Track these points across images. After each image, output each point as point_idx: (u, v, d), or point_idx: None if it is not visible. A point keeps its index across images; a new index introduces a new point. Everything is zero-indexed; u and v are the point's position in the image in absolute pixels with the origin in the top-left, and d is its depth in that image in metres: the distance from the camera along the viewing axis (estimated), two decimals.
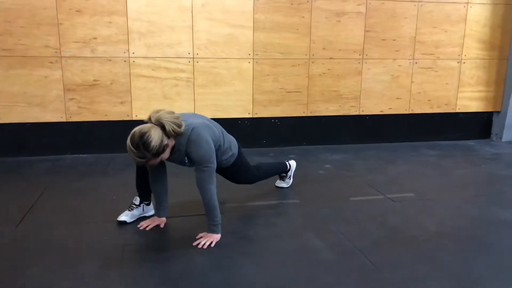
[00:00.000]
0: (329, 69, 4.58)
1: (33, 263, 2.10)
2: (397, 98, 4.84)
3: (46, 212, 2.74)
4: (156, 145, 2.12)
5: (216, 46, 4.25)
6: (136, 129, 2.17)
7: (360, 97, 4.73)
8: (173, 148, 2.27)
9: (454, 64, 4.90)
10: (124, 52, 4.08)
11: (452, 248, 2.33)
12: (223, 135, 2.57)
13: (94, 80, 4.07)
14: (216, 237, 2.35)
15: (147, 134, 2.11)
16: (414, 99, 4.88)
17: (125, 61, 4.10)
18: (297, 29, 4.40)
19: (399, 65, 4.75)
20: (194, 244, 2.31)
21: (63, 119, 4.10)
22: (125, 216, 2.58)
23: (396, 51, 4.71)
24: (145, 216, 2.66)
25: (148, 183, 2.58)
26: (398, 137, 4.92)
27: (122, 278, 1.97)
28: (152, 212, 2.70)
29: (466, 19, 4.80)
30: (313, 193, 3.17)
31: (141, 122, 4.14)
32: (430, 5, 4.66)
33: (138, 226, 2.54)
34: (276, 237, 2.44)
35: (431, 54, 4.81)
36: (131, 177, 3.43)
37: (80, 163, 3.89)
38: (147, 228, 2.51)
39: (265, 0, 4.26)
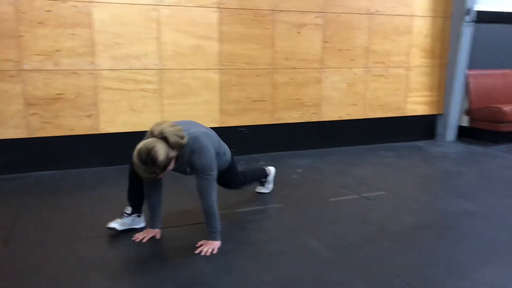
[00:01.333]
0: (291, 78, 4.77)
1: (39, 281, 2.02)
2: (353, 104, 5.14)
3: (30, 231, 2.62)
4: (163, 160, 2.14)
5: (183, 57, 4.29)
6: (141, 145, 2.17)
7: (321, 104, 4.97)
8: (176, 158, 2.30)
9: (402, 71, 5.31)
10: (90, 65, 3.98)
11: (433, 238, 2.56)
12: (219, 142, 2.63)
13: (58, 94, 3.94)
14: (217, 244, 2.39)
15: (154, 150, 2.12)
16: (368, 104, 5.22)
17: (90, 73, 4.00)
18: (261, 40, 4.56)
19: (354, 73, 5.06)
20: (196, 252, 2.34)
21: (25, 135, 3.91)
22: (115, 223, 2.54)
23: (352, 60, 5.02)
24: (134, 228, 2.64)
25: (141, 195, 2.57)
26: (356, 141, 5.22)
27: None
28: (142, 224, 2.68)
29: (411, 30, 5.23)
30: (293, 197, 3.31)
31: (108, 135, 4.10)
32: (381, 17, 5.03)
33: (133, 238, 2.52)
34: (274, 240, 2.54)
35: (383, 62, 5.18)
36: (108, 191, 3.39)
37: (48, 180, 3.73)
38: (144, 240, 2.50)
39: (230, 12, 4.37)
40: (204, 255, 2.30)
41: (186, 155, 2.32)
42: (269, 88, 4.69)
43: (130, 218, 2.61)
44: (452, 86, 5.44)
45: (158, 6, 4.10)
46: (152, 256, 2.33)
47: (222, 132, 4.50)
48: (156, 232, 2.56)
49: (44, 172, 3.96)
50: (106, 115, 4.12)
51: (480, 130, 5.50)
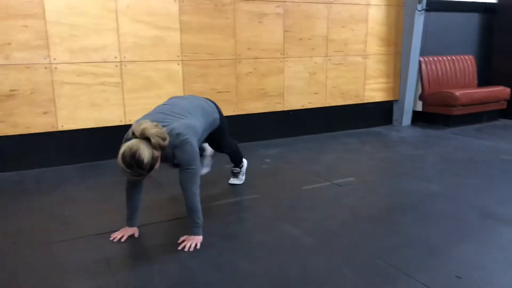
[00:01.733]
0: (254, 68, 4.76)
1: None
2: (315, 93, 5.22)
3: None
4: (149, 161, 2.08)
5: (143, 49, 4.15)
6: (125, 148, 2.09)
7: (284, 94, 5.01)
8: (160, 156, 2.23)
9: (360, 59, 5.45)
10: (45, 58, 3.77)
11: (406, 220, 2.67)
12: (206, 120, 2.65)
13: (11, 90, 3.70)
14: (199, 238, 2.36)
15: (138, 152, 2.05)
16: (329, 93, 5.31)
17: (46, 67, 3.79)
18: (223, 30, 4.50)
19: (315, 62, 5.13)
20: (180, 248, 2.30)
21: None
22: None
23: (312, 49, 5.08)
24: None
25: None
26: (319, 129, 5.31)
27: None
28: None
29: (367, 19, 5.37)
30: (267, 187, 3.32)
31: (68, 132, 3.91)
32: (338, 6, 5.12)
33: (111, 238, 2.43)
34: (255, 230, 2.54)
35: (341, 51, 5.28)
36: (74, 191, 3.24)
37: (4, 182, 3.51)
38: (122, 239, 2.42)
39: (190, 2, 4.28)
40: (188, 251, 2.27)
41: (170, 152, 2.26)
42: (233, 78, 4.66)
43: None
44: (407, 73, 5.66)
45: None
46: (134, 255, 2.26)
47: None
48: (134, 231, 2.49)
49: (0, 173, 3.72)
50: (64, 112, 3.92)
51: (433, 114, 5.77)
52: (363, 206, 2.91)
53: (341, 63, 5.32)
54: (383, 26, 5.51)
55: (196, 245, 2.32)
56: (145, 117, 2.40)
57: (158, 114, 2.40)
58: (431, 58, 5.90)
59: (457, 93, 5.44)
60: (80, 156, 4.06)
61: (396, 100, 5.86)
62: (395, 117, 5.91)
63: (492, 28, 6.38)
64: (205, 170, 3.31)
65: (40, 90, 3.79)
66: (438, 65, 5.94)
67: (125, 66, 4.10)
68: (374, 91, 5.66)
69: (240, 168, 3.32)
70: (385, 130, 5.54)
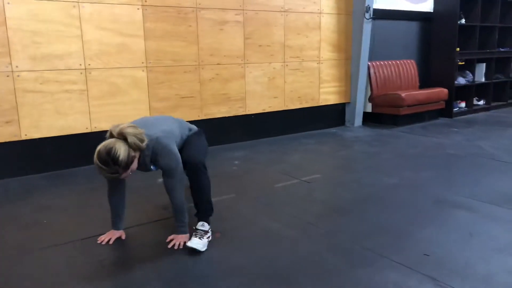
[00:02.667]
0: (217, 74, 4.90)
1: None
2: (274, 97, 5.45)
3: None
4: (124, 158, 2.13)
5: (108, 56, 4.16)
6: (101, 146, 2.14)
7: (246, 98, 5.18)
8: (138, 159, 2.29)
9: (314, 65, 5.76)
10: (6, 66, 3.69)
11: (372, 210, 2.93)
12: (183, 131, 2.66)
13: None
14: (186, 237, 2.46)
15: (113, 149, 2.10)
16: (287, 97, 5.56)
17: (8, 75, 3.70)
18: (186, 37, 4.61)
19: (274, 68, 5.36)
20: (169, 246, 2.39)
21: None
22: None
23: (271, 55, 5.31)
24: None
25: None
26: (279, 131, 5.54)
27: None
28: None
29: (320, 26, 5.69)
30: (241, 187, 3.47)
31: (31, 141, 3.84)
32: (293, 14, 5.39)
33: (98, 241, 2.48)
34: (238, 227, 2.68)
35: (298, 57, 5.56)
36: (46, 199, 3.21)
37: None
38: (110, 242, 2.47)
39: (153, 9, 4.35)
40: (178, 250, 2.37)
41: (148, 157, 2.33)
42: (197, 84, 4.77)
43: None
44: (357, 77, 6.04)
45: (80, 2, 3.93)
46: (126, 257, 2.33)
47: None
48: (121, 233, 2.54)
49: None
50: (28, 120, 3.85)
51: (382, 115, 6.20)
52: (333, 199, 3.14)
53: (297, 69, 5.59)
54: (334, 33, 5.86)
55: (184, 243, 2.42)
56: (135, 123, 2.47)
57: (137, 122, 2.46)
58: (378, 63, 6.34)
59: (403, 94, 5.90)
60: (46, 165, 3.99)
61: (348, 103, 6.23)
62: (347, 118, 6.28)
63: (429, 35, 6.96)
64: None
65: (2, 98, 3.70)
66: (384, 69, 6.39)
67: (89, 73, 4.09)
68: (328, 95, 5.99)
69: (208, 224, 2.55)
70: (340, 131, 5.88)
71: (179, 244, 2.40)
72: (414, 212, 2.87)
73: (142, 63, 4.37)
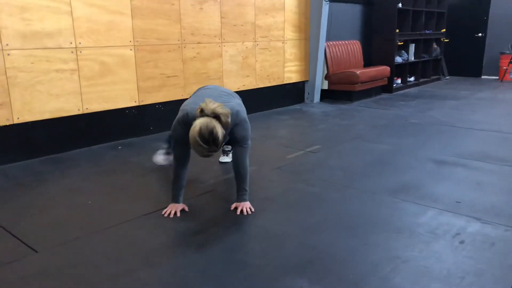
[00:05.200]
0: (198, 53, 4.94)
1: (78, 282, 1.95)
2: (247, 76, 5.63)
3: (35, 234, 2.32)
4: (221, 138, 2.22)
5: (98, 34, 4.01)
6: (201, 126, 2.18)
7: (223, 77, 5.30)
8: None
9: (280, 44, 6.03)
10: None
11: (389, 172, 3.33)
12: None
13: None
14: (248, 203, 2.63)
15: (214, 129, 2.18)
16: (258, 75, 5.78)
17: None
18: (169, 16, 4.57)
19: (246, 47, 5.53)
20: (238, 213, 2.54)
21: None
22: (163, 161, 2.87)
23: (244, 35, 5.46)
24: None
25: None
26: (253, 109, 5.73)
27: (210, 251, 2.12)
28: None
29: (284, 7, 5.95)
30: (256, 160, 3.62)
31: (24, 125, 3.62)
32: None
33: (163, 213, 2.54)
34: (284, 193, 2.90)
35: (266, 36, 5.77)
36: (68, 183, 3.09)
37: None
38: (177, 214, 2.54)
39: None
40: (241, 214, 2.53)
41: (228, 130, 2.44)
42: (180, 63, 4.77)
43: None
44: (316, 56, 6.44)
45: None
46: (202, 224, 2.43)
47: (141, 110, 4.46)
48: (183, 206, 2.61)
49: None
50: (20, 103, 3.60)
51: (338, 92, 6.70)
52: (347, 165, 3.48)
53: (266, 48, 5.81)
54: (296, 15, 6.17)
55: (250, 208, 2.59)
56: (195, 98, 2.54)
57: (210, 97, 2.53)
58: (331, 43, 6.81)
59: (358, 72, 6.44)
60: (40, 149, 3.78)
61: (307, 81, 6.63)
62: (306, 95, 6.68)
63: (371, 17, 7.60)
64: (228, 159, 3.55)
65: None
66: (337, 49, 6.88)
67: (80, 52, 3.91)
68: (291, 73, 6.32)
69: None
70: (304, 107, 6.26)
71: (247, 209, 2.57)
72: (422, 171, 3.32)
73: (130, 41, 4.27)
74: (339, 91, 6.69)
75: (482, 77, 9.77)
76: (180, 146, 2.51)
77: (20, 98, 3.58)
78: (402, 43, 7.58)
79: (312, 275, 1.89)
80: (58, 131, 3.88)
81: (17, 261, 2.03)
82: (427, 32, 8.39)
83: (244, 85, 5.58)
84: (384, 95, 7.30)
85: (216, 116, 2.26)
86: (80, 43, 3.89)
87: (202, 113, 2.27)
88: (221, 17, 5.12)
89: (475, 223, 2.40)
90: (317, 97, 6.67)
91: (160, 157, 3.41)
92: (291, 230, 2.35)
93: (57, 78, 3.78)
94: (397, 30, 7.29)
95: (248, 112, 2.70)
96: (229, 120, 2.33)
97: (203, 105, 2.29)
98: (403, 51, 7.84)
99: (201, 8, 4.87)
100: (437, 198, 2.76)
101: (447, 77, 9.68)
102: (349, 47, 7.14)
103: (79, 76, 3.93)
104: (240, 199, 2.63)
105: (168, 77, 4.68)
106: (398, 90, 7.69)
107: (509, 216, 2.48)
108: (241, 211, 2.56)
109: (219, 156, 3.63)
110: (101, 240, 2.24)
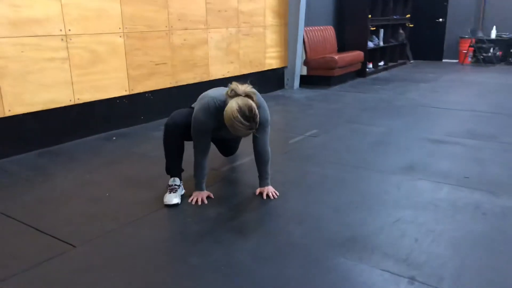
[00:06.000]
0: (185, 40, 4.85)
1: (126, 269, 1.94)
2: (231, 62, 5.60)
3: (55, 229, 2.24)
4: (258, 115, 2.25)
5: (88, 21, 3.85)
6: (239, 104, 2.18)
7: (209, 64, 5.24)
8: None
9: (261, 30, 6.03)
10: None
11: (392, 152, 3.46)
12: None
13: None
14: (271, 187, 2.66)
15: (253, 107, 2.21)
16: (241, 61, 5.76)
17: None
18: (156, 2, 4.45)
19: (230, 33, 5.49)
20: (264, 197, 2.57)
21: None
22: (175, 199, 2.49)
23: (227, 20, 5.41)
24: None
25: (180, 159, 2.62)
26: None
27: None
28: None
29: None
30: None
31: (15, 117, 3.45)
32: None
33: (190, 201, 2.52)
34: (302, 176, 2.95)
35: (248, 22, 5.75)
36: (78, 175, 2.99)
37: None
38: (205, 201, 2.53)
39: None
40: (268, 199, 2.57)
41: None
42: (168, 50, 4.67)
43: (181, 187, 2.60)
44: (295, 42, 6.49)
45: None
46: (235, 215, 2.44)
47: (132, 99, 4.35)
48: (208, 193, 2.60)
49: None
50: (11, 94, 3.40)
51: (316, 77, 6.81)
52: (351, 147, 3.58)
53: (248, 34, 5.79)
54: (276, 1, 6.18)
55: (275, 192, 2.62)
56: (214, 89, 2.54)
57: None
58: (308, 28, 6.88)
59: (336, 57, 6.57)
60: (32, 142, 3.60)
61: (286, 67, 6.68)
62: (286, 81, 6.74)
63: (344, 2, 7.74)
64: None
65: None
66: (314, 34, 6.97)
67: (70, 39, 3.74)
68: (272, 59, 6.35)
69: None
70: (285, 93, 6.32)
71: (273, 193, 2.60)
72: (422, 150, 3.48)
73: (119, 28, 4.13)
74: (318, 77, 6.79)
75: (443, 60, 10.24)
76: (203, 135, 2.50)
77: (10, 90, 3.39)
78: (374, 28, 7.78)
79: (359, 253, 1.96)
80: (51, 123, 3.71)
81: (58, 257, 1.96)
82: (395, 17, 8.65)
83: (228, 72, 5.55)
84: (359, 80, 7.49)
85: (247, 95, 2.27)
86: (70, 30, 3.72)
87: (235, 94, 2.27)
88: (206, 3, 5.04)
89: (490, 196, 2.56)
90: (296, 83, 6.74)
91: (171, 196, 2.55)
92: (322, 211, 2.41)
93: (48, 68, 3.60)
94: (370, 16, 7.47)
95: None
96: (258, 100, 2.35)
97: (233, 86, 2.30)
98: (374, 36, 8.06)
99: None
100: (446, 175, 2.91)
101: (412, 61, 10.07)
102: (324, 32, 7.25)
103: (69, 65, 3.76)
104: (264, 183, 2.65)
105: (157, 64, 4.58)
106: (371, 75, 7.91)
107: None
108: (267, 195, 2.59)
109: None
110: (138, 231, 2.20)
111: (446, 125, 4.26)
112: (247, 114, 2.20)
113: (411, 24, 9.57)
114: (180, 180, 2.62)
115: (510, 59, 9.12)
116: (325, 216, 2.34)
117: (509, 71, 8.13)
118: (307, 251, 1.98)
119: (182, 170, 2.65)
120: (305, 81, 6.89)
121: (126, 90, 4.29)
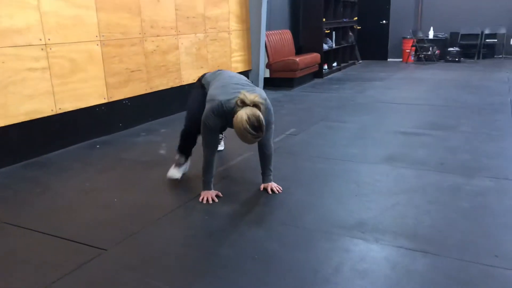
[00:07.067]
0: (157, 46, 4.91)
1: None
2: (201, 67, 5.71)
3: (78, 236, 2.28)
4: (265, 125, 2.42)
5: (66, 30, 3.83)
6: (248, 114, 2.33)
7: (180, 69, 5.32)
8: None
9: (226, 35, 6.18)
10: None
11: (376, 143, 3.76)
12: None
13: None
14: (274, 183, 2.84)
15: (260, 117, 2.36)
16: (210, 66, 5.88)
17: None
18: (130, 9, 4.49)
19: (199, 39, 5.60)
20: (270, 192, 2.75)
21: None
22: (177, 174, 2.97)
23: (196, 26, 5.52)
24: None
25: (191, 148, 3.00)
26: None
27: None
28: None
29: None
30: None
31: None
32: None
33: (203, 201, 2.64)
34: (304, 170, 3.16)
35: (214, 28, 5.89)
36: (74, 184, 2.99)
37: None
38: (215, 200, 2.66)
39: None
40: (273, 194, 2.75)
41: None
42: (142, 57, 4.71)
43: (185, 165, 3.03)
44: (258, 46, 6.71)
45: None
46: (245, 211, 2.59)
47: (110, 107, 4.35)
48: (217, 192, 2.73)
49: None
50: None
51: (279, 79, 7.06)
52: (331, 142, 3.84)
53: (215, 39, 5.93)
54: (238, 6, 6.36)
55: (278, 187, 2.81)
56: (223, 88, 2.65)
57: (236, 86, 2.66)
58: (269, 32, 7.13)
59: (297, 59, 6.86)
60: (15, 154, 3.52)
61: (251, 70, 6.88)
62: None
63: (299, 6, 8.07)
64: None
65: None
66: (274, 38, 7.23)
67: (50, 49, 3.70)
68: (237, 63, 6.52)
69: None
70: None
71: (277, 188, 2.78)
72: (397, 141, 3.80)
73: (96, 36, 4.13)
74: (280, 79, 7.05)
75: (388, 59, 10.92)
76: (213, 134, 2.63)
77: None
78: (328, 31, 8.18)
79: (371, 234, 2.19)
80: (34, 134, 3.65)
81: (93, 260, 2.01)
82: (345, 20, 9.14)
83: (198, 76, 5.63)
84: (317, 80, 7.85)
85: (255, 105, 2.44)
86: (49, 39, 3.68)
87: (244, 104, 2.42)
88: (176, 9, 5.12)
89: (466, 178, 2.90)
90: (261, 85, 6.95)
91: (175, 171, 3.03)
92: (326, 201, 2.62)
93: (29, 78, 3.55)
94: (324, 19, 7.86)
95: None
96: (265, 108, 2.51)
97: (242, 96, 2.44)
98: (327, 38, 8.47)
99: (158, 1, 4.84)
100: (424, 162, 3.24)
101: (360, 61, 10.65)
102: (282, 36, 7.53)
103: (50, 74, 3.72)
104: (267, 180, 2.82)
105: (133, 71, 4.60)
106: (327, 75, 8.31)
107: (495, 170, 3.03)
108: (272, 190, 2.77)
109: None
110: (162, 230, 2.30)
111: (410, 118, 4.65)
112: (256, 125, 2.35)
113: (358, 27, 10.13)
114: (186, 160, 3.02)
115: (448, 57, 9.93)
116: (330, 205, 2.55)
117: (449, 68, 8.86)
118: (325, 235, 2.18)
119: (190, 155, 3.01)
120: (269, 83, 7.12)
121: (104, 98, 4.28)
